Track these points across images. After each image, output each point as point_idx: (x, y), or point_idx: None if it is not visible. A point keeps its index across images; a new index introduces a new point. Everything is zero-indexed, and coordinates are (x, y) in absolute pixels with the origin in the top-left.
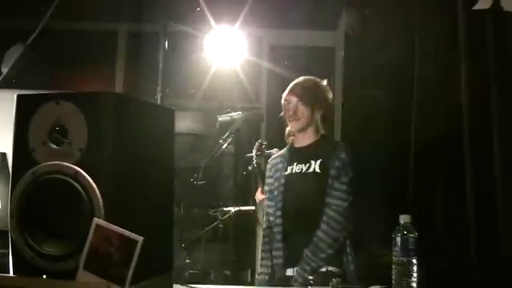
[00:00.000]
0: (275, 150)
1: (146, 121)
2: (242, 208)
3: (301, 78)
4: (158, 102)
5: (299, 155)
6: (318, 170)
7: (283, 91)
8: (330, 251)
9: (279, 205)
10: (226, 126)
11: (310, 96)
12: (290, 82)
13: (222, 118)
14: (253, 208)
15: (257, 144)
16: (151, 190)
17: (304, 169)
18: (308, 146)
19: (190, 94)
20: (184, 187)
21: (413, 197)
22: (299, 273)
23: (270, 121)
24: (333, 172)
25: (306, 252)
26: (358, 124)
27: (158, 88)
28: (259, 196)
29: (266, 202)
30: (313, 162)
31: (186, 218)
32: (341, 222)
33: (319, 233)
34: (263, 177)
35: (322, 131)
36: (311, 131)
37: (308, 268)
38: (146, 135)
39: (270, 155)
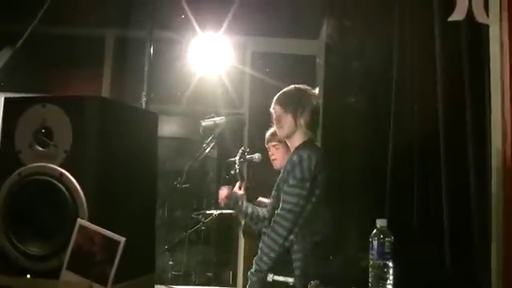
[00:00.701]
0: (257, 155)
1: (131, 124)
2: (225, 211)
3: (288, 87)
4: (143, 106)
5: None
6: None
7: (265, 97)
8: (272, 255)
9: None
10: (209, 130)
11: (292, 103)
12: (272, 89)
13: (206, 122)
14: (233, 211)
15: (240, 151)
16: (135, 192)
17: (281, 175)
18: (292, 152)
19: (175, 99)
20: (168, 190)
21: (390, 201)
22: (249, 275)
23: (252, 126)
24: (284, 175)
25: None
26: (338, 130)
27: (143, 93)
28: (237, 190)
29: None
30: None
31: (170, 220)
32: (283, 226)
33: (263, 236)
34: (243, 178)
35: (308, 136)
36: (297, 137)
37: (254, 271)
38: (130, 138)
39: (251, 160)
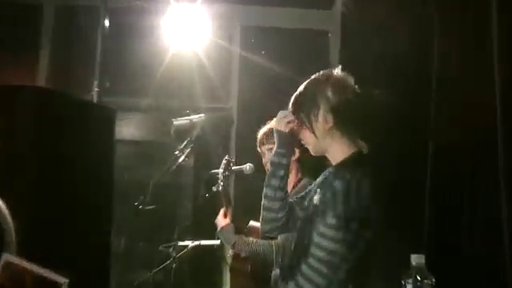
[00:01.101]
0: (248, 165)
1: (77, 124)
2: (204, 242)
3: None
4: (95, 99)
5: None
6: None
7: (260, 87)
8: None
9: None
10: (183, 132)
11: (304, 104)
12: (270, 76)
13: (179, 121)
14: (217, 242)
15: (224, 161)
16: (81, 216)
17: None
18: (333, 170)
19: (138, 89)
20: (126, 213)
21: (429, 230)
22: None
23: (242, 125)
24: (312, 200)
25: None
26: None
27: (95, 81)
28: (221, 220)
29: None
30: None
31: (129, 254)
32: (316, 282)
33: None
34: (229, 200)
35: (355, 148)
36: (336, 149)
37: None
38: (75, 142)
39: (241, 172)
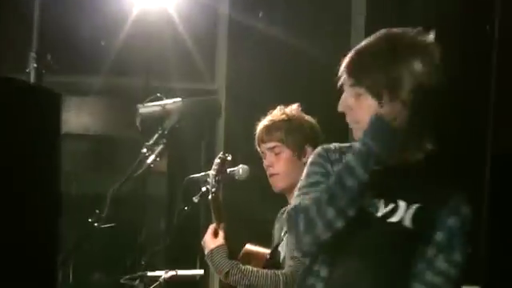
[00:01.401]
0: (241, 167)
1: (7, 113)
2: (182, 272)
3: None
4: (32, 79)
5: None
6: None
7: (257, 63)
8: None
9: None
10: (153, 122)
11: (376, 66)
12: (267, 46)
13: (147, 108)
14: (200, 272)
15: (217, 160)
16: (17, 236)
17: (387, 213)
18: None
19: (90, 65)
20: (78, 232)
21: (488, 256)
22: None
23: (233, 114)
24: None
25: None
26: None
27: (32, 54)
28: (210, 241)
29: None
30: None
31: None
32: None
33: None
34: (222, 213)
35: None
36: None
37: None
38: (4, 139)
39: (231, 177)
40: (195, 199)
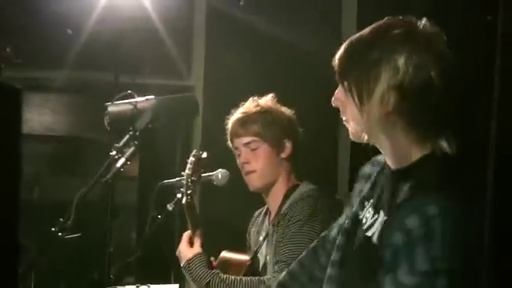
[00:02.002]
0: (220, 172)
1: None
2: (154, 287)
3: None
4: None
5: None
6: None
7: (238, 56)
8: None
9: None
10: (123, 122)
11: (360, 62)
12: (250, 38)
13: (117, 106)
14: (175, 286)
15: (191, 159)
16: None
17: (368, 226)
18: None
19: (52, 58)
20: (40, 243)
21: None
22: None
23: (211, 113)
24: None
25: None
26: None
27: None
28: (186, 250)
29: None
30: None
31: None
32: None
33: None
34: (197, 219)
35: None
36: (386, 148)
37: None
38: None
39: (209, 181)
40: (169, 207)
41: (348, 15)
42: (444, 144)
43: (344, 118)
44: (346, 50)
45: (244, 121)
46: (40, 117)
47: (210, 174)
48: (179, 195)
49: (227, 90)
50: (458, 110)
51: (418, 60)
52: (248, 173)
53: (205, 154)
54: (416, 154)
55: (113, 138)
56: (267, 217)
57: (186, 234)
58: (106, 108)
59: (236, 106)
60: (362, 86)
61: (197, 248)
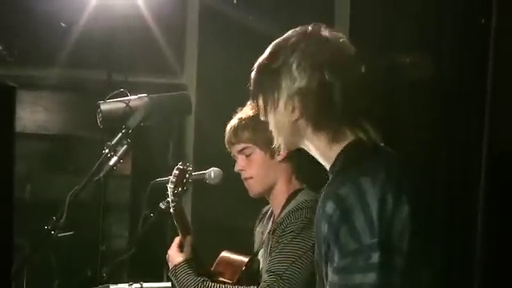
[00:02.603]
0: (213, 170)
1: None
2: (147, 285)
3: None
4: None
5: None
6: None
7: (231, 54)
8: None
9: None
10: (115, 119)
11: (270, 73)
12: (244, 36)
13: (109, 105)
14: (168, 285)
15: (176, 172)
16: None
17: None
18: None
19: (44, 55)
20: (32, 241)
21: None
22: None
23: (204, 112)
24: (322, 247)
25: None
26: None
27: None
28: (174, 255)
29: None
30: None
31: None
32: None
33: None
34: (186, 225)
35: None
36: (316, 149)
37: None
38: None
39: (201, 180)
40: (162, 205)
41: (341, 14)
42: (361, 134)
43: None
44: (256, 70)
45: (236, 128)
46: (33, 115)
47: (203, 172)
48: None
49: (220, 88)
50: (372, 99)
51: (309, 62)
52: (245, 179)
53: (190, 168)
54: (337, 150)
55: (105, 136)
56: (272, 219)
57: (177, 239)
58: (98, 106)
59: (228, 104)
60: (267, 99)
61: (186, 254)
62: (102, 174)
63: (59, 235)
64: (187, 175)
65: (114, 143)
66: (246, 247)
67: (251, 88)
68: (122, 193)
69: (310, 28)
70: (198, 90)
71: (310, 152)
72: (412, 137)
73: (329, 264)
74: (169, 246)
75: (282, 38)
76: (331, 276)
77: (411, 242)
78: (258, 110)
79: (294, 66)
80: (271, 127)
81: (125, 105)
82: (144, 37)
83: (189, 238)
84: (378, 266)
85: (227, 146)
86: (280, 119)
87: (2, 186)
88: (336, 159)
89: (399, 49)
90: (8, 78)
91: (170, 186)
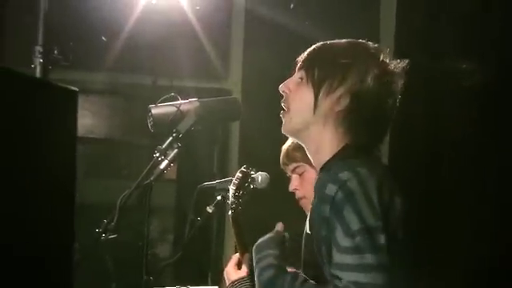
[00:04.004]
0: (260, 175)
1: (26, 113)
2: None
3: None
4: (37, 74)
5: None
6: (307, 228)
7: (279, 60)
8: None
9: None
10: (166, 124)
11: (323, 64)
12: (292, 42)
13: (160, 108)
14: None
15: (239, 175)
16: (32, 249)
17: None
18: (320, 174)
19: (94, 60)
20: (80, 244)
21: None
22: None
23: (249, 116)
24: (322, 230)
25: None
26: (417, 130)
27: (38, 48)
28: (232, 272)
29: None
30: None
31: None
32: None
33: None
34: (243, 239)
35: (347, 141)
36: (323, 139)
37: None
38: (23, 140)
39: (256, 181)
40: (209, 209)
41: (386, 23)
42: (356, 138)
43: (285, 108)
44: (319, 48)
45: (288, 149)
46: (80, 119)
47: (255, 174)
48: (219, 197)
49: (264, 93)
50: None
51: (384, 83)
52: (300, 199)
53: (253, 172)
54: (337, 147)
55: (152, 140)
56: None
57: (235, 256)
58: (149, 110)
59: (273, 109)
60: (324, 79)
61: (243, 272)
62: (152, 178)
63: (103, 238)
64: (249, 179)
65: (165, 147)
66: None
67: (307, 60)
68: (168, 197)
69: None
70: (242, 94)
71: (308, 143)
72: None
73: (333, 245)
74: (215, 248)
75: (353, 40)
76: (339, 256)
77: (404, 230)
78: (296, 80)
79: (371, 74)
80: (299, 102)
81: (176, 109)
82: (189, 42)
83: (247, 256)
84: (386, 249)
85: (282, 167)
86: (324, 103)
87: (65, 188)
88: (335, 155)
89: (446, 56)
90: (58, 80)
91: (231, 187)
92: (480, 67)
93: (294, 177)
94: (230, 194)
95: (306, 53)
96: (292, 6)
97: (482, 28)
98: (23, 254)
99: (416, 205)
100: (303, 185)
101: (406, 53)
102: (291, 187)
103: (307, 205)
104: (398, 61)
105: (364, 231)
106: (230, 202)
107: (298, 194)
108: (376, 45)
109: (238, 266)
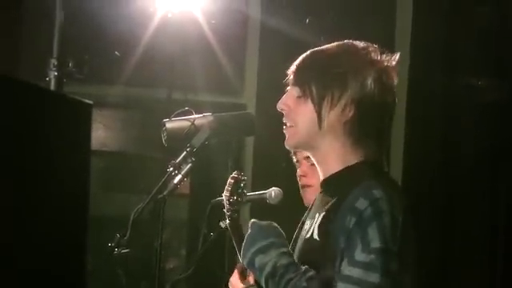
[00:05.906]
0: (274, 191)
1: (41, 126)
2: None
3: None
4: (51, 86)
5: (315, 201)
6: (315, 234)
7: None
8: None
9: None
10: (180, 138)
11: (320, 77)
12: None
13: (174, 123)
14: None
15: (230, 181)
16: (45, 261)
17: (307, 230)
18: (325, 184)
19: (109, 74)
20: (93, 258)
21: None
22: None
23: (263, 130)
24: (341, 240)
25: None
26: (435, 145)
27: (53, 61)
28: (235, 282)
29: None
30: (317, 217)
31: None
32: None
33: None
34: (242, 241)
35: (363, 157)
36: (331, 154)
37: None
38: (38, 152)
39: (262, 201)
40: (222, 224)
41: (402, 39)
42: (370, 152)
43: (288, 124)
44: (309, 58)
45: None
46: (94, 132)
47: (263, 192)
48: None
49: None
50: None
51: (383, 82)
52: (304, 186)
53: (245, 177)
54: (350, 160)
55: (165, 154)
56: None
57: (239, 266)
58: (163, 124)
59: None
60: (324, 94)
61: (248, 281)
62: (165, 193)
63: (115, 253)
64: (242, 184)
65: (179, 161)
66: None
67: (301, 74)
68: (181, 211)
69: (379, 50)
70: (257, 109)
71: (317, 156)
72: (480, 161)
73: (345, 255)
74: (228, 264)
75: (344, 43)
76: (348, 268)
77: (412, 263)
78: (294, 97)
79: (370, 78)
80: (304, 118)
81: (190, 123)
82: (204, 56)
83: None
84: (394, 275)
85: (293, 152)
86: (329, 117)
87: (78, 201)
88: (352, 168)
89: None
90: (73, 94)
91: (225, 194)
92: (498, 81)
93: (305, 163)
94: (225, 201)
95: (295, 65)
96: (308, 21)
97: (500, 42)
98: (37, 267)
99: (431, 220)
100: (312, 174)
101: (422, 70)
102: (301, 172)
103: (310, 195)
104: (388, 53)
105: (381, 252)
106: (225, 210)
107: (304, 181)
108: (363, 43)
109: (242, 275)
